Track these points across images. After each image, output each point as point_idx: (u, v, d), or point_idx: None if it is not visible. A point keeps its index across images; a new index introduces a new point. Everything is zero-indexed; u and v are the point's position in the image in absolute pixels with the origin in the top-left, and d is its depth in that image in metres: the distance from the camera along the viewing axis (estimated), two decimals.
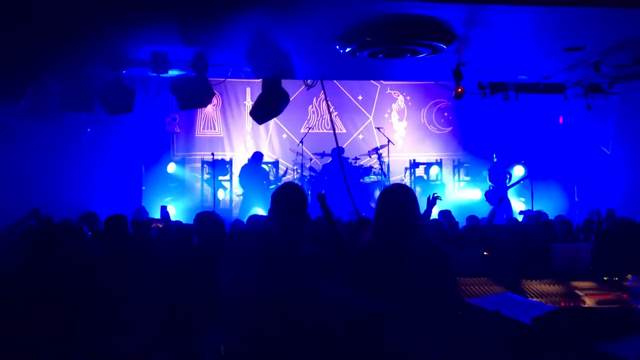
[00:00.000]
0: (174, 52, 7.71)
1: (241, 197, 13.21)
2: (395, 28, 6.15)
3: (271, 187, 12.80)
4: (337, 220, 7.23)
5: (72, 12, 6.10)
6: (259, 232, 2.13)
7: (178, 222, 8.42)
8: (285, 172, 13.92)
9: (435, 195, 7.22)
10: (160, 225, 7.19)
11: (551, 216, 9.92)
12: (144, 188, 13.33)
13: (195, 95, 8.33)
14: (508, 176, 13.15)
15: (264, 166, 13.39)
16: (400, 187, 3.96)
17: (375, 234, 3.65)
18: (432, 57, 7.10)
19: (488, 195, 12.91)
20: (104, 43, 7.34)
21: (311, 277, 2.02)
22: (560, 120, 13.50)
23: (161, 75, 8.17)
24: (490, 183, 13.10)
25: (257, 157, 13.16)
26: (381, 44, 6.48)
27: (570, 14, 6.16)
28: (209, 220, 6.51)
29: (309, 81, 9.27)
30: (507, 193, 12.86)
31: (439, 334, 3.38)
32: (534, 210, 11.31)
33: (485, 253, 6.22)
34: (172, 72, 8.24)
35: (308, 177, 13.28)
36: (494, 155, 13.33)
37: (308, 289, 2.01)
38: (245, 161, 13.43)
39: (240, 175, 13.06)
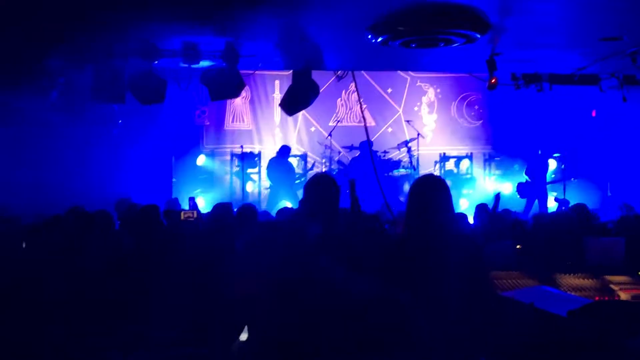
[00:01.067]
0: (204, 43, 7.72)
1: (269, 190, 13.25)
2: (429, 16, 6.08)
3: (297, 181, 12.81)
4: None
5: (105, 3, 6.14)
6: (270, 225, 2.13)
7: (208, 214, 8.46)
8: (313, 166, 13.91)
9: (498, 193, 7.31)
10: (192, 216, 7.21)
11: None
12: (174, 180, 13.44)
13: (226, 85, 8.35)
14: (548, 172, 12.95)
15: (291, 160, 13.40)
16: (432, 178, 3.90)
17: (407, 226, 3.61)
18: (465, 47, 7.01)
19: (520, 187, 12.73)
20: (136, 34, 7.38)
21: (328, 265, 2.00)
22: (594, 114, 13.29)
23: (192, 66, 8.20)
24: (526, 177, 12.92)
25: (284, 150, 13.16)
26: (414, 33, 6.41)
27: (608, 3, 6.04)
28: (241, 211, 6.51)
29: (339, 72, 9.23)
30: (546, 189, 12.69)
31: (472, 326, 3.34)
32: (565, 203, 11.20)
33: (517, 246, 6.15)
34: (203, 63, 8.26)
35: (336, 171, 13.24)
36: (539, 151, 13.09)
37: (325, 278, 1.98)
38: (274, 154, 13.44)
39: (267, 169, 13.10)
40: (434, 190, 3.62)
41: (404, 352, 1.97)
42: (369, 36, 6.72)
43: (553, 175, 13.14)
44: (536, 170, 12.83)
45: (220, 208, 6.46)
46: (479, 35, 6.58)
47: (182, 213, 7.85)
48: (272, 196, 12.89)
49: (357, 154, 13.34)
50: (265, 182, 13.40)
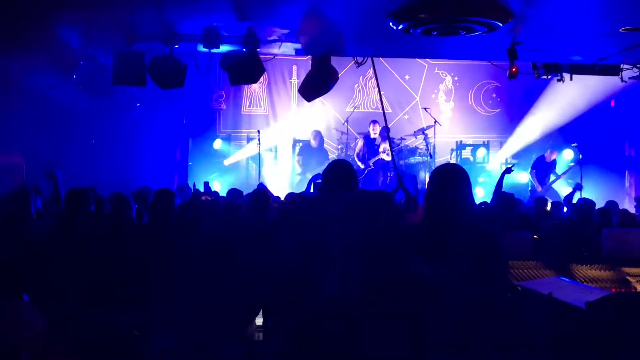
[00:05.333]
0: (225, 27, 7.73)
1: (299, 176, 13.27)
2: (451, 4, 6.05)
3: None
4: None
5: None
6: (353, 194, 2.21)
7: (223, 198, 8.50)
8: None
9: (510, 166, 7.28)
10: (209, 198, 7.25)
11: (601, 201, 9.74)
12: (190, 163, 13.52)
13: (246, 70, 8.36)
14: (551, 176, 12.85)
15: (326, 147, 13.47)
16: (452, 167, 3.91)
17: (425, 214, 3.62)
18: (486, 36, 6.96)
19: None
20: (157, 17, 7.40)
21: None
22: (612, 104, 13.19)
23: (212, 50, 8.21)
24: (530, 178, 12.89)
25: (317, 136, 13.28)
26: (436, 21, 6.37)
27: None
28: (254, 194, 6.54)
29: (358, 59, 9.21)
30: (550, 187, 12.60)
31: (489, 315, 3.36)
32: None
33: (534, 237, 6.15)
34: (223, 48, 8.27)
35: (352, 157, 13.25)
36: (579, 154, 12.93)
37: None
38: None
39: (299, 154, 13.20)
40: (453, 179, 3.63)
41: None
42: (391, 23, 6.69)
43: (571, 164, 13.04)
44: (541, 174, 12.77)
45: (259, 193, 6.54)
46: (500, 24, 6.53)
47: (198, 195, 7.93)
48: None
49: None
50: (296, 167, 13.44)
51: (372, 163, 12.74)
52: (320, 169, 12.75)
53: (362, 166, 12.73)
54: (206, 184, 10.76)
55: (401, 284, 2.09)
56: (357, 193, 2.19)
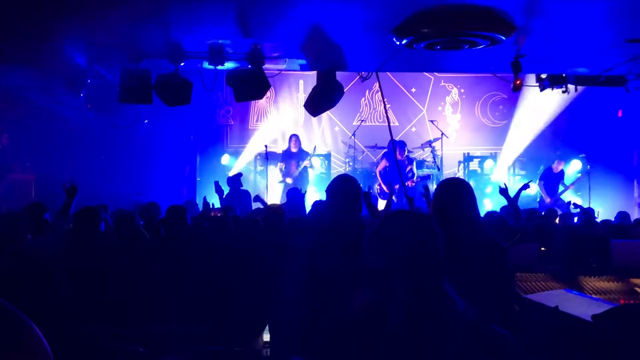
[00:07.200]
0: (230, 45, 7.79)
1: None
2: (454, 19, 6.07)
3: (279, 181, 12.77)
4: None
5: (132, 5, 6.22)
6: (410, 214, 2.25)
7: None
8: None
9: (528, 182, 7.31)
10: (219, 214, 7.25)
11: (610, 212, 9.71)
12: (198, 179, 13.57)
13: (251, 87, 8.41)
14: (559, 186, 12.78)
15: (314, 159, 13.29)
16: (457, 181, 3.93)
17: None
18: (490, 49, 6.98)
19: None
20: (163, 36, 7.47)
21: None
22: (620, 114, 13.17)
23: (217, 67, 8.27)
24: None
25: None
26: (439, 36, 6.39)
27: (633, 3, 5.99)
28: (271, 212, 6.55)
29: (363, 73, 9.23)
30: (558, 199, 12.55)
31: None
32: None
33: (542, 249, 6.13)
34: (228, 65, 8.33)
35: (360, 170, 13.26)
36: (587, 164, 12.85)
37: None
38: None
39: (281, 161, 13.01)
40: (458, 193, 3.63)
41: None
42: (394, 38, 6.73)
43: (579, 175, 13.01)
44: (550, 185, 12.72)
45: (274, 210, 6.54)
46: (503, 37, 6.55)
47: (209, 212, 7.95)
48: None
49: (380, 154, 13.29)
50: (289, 180, 13.35)
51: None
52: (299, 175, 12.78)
53: (386, 189, 12.34)
54: (216, 183, 10.60)
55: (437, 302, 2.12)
56: (410, 214, 2.25)
